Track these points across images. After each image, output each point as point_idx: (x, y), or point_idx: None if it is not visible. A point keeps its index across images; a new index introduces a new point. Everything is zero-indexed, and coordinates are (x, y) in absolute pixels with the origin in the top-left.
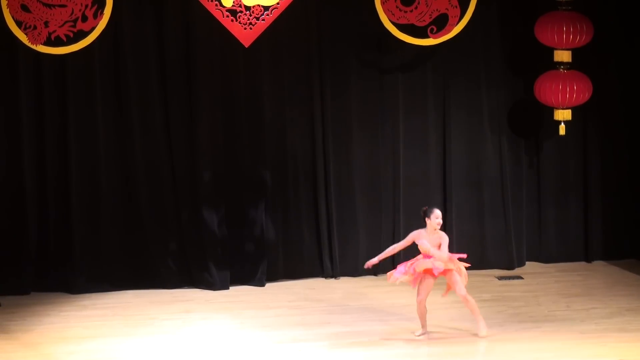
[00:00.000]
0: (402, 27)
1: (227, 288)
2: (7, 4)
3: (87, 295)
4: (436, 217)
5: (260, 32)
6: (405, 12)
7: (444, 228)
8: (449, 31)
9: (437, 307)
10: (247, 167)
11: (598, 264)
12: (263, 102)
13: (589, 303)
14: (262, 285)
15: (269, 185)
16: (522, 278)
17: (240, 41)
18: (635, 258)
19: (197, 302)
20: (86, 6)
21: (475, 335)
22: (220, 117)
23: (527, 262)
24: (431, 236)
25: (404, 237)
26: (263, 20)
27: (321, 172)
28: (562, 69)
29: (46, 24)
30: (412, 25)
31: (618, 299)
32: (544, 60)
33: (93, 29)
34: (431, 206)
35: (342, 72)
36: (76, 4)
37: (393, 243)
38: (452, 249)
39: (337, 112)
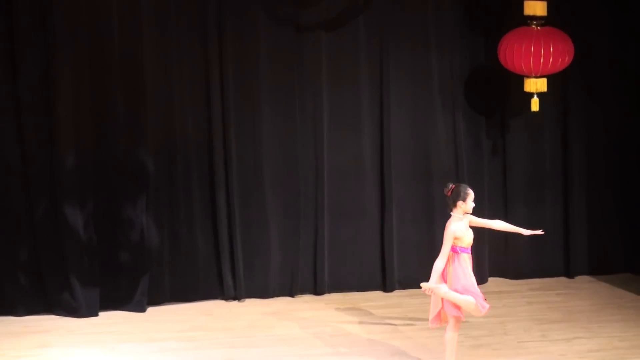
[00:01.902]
0: None
1: (96, 314)
2: None
3: None
4: (472, 198)
5: None
6: None
7: (381, 232)
8: None
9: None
10: (122, 151)
11: (582, 280)
12: (143, 67)
13: (570, 331)
14: (143, 309)
15: (151, 175)
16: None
17: None
18: (631, 272)
19: (56, 333)
20: None
21: None
22: (87, 87)
23: (490, 279)
24: (462, 222)
25: (329, 245)
26: None
27: (220, 159)
28: (534, 25)
29: None
30: None
31: (608, 325)
32: (511, 15)
33: None
34: (459, 182)
35: (248, 30)
36: None
37: (315, 253)
38: (390, 259)
39: (240, 81)
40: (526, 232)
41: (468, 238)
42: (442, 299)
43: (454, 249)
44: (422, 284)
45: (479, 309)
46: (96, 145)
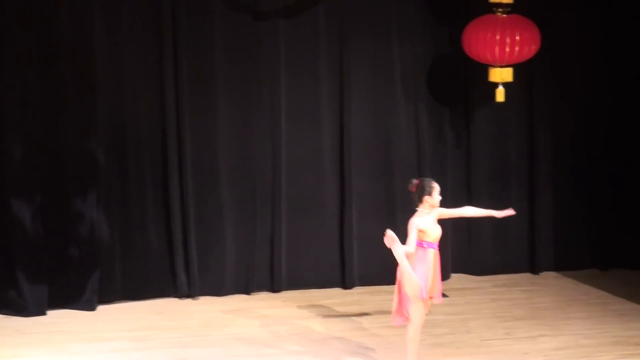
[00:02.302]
0: None
1: (44, 313)
2: None
3: None
4: (438, 191)
5: None
6: None
7: (341, 227)
8: None
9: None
10: (71, 142)
11: (548, 276)
12: (94, 55)
13: (535, 329)
14: (93, 308)
15: (101, 167)
16: (446, 296)
17: None
18: (598, 267)
19: (1, 332)
20: None
21: None
22: (34, 76)
23: (452, 275)
24: (428, 217)
25: (287, 241)
26: None
27: (173, 152)
28: (500, 12)
29: None
30: None
31: (574, 323)
32: (476, 2)
33: None
34: (421, 176)
35: (202, 17)
36: None
37: (272, 248)
38: (350, 255)
39: (195, 71)
40: (499, 214)
41: (434, 233)
42: (400, 295)
43: (420, 244)
44: (387, 230)
45: (421, 294)
46: (45, 135)
